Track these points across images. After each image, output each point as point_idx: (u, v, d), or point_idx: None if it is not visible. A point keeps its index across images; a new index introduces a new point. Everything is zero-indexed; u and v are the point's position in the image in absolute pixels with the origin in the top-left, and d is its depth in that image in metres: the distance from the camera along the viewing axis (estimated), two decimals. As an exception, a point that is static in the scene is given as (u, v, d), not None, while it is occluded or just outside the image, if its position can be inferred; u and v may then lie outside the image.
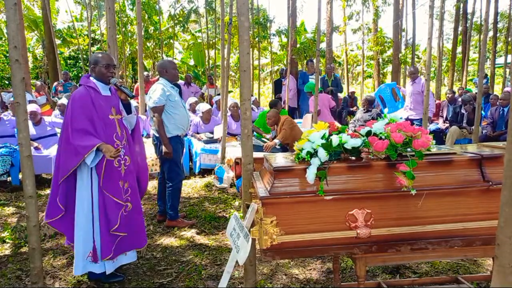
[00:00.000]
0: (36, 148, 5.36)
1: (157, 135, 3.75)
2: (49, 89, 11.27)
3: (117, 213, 2.64)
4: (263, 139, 5.99)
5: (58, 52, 12.19)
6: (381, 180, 1.82)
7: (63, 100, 7.07)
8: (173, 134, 3.76)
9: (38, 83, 9.33)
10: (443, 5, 10.96)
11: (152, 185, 5.45)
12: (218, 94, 9.04)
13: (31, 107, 5.63)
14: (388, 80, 16.98)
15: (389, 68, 17.00)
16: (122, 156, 2.68)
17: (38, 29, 15.26)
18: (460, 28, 14.41)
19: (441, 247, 1.86)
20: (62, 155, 2.60)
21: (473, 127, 5.70)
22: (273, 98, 9.90)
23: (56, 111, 7.10)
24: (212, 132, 6.42)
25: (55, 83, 9.95)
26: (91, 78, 2.67)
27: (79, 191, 2.61)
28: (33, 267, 2.46)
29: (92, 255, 2.63)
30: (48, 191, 5.29)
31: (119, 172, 2.67)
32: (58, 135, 6.04)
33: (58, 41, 14.16)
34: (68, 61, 15.75)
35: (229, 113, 7.05)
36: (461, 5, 13.56)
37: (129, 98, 2.84)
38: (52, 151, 5.49)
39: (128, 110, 2.86)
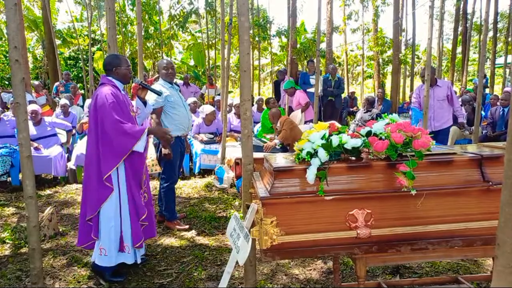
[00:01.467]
0: (36, 149, 5.36)
1: None
2: (48, 89, 11.27)
3: (142, 202, 2.81)
4: (263, 139, 6.00)
5: (58, 52, 12.18)
6: (381, 180, 1.82)
7: (65, 101, 7.08)
8: (173, 135, 3.74)
9: (36, 83, 9.33)
10: (443, 5, 10.98)
11: (152, 186, 5.45)
12: (218, 94, 9.04)
13: (32, 106, 5.64)
14: (388, 80, 16.99)
15: (389, 68, 17.00)
16: (143, 152, 2.84)
17: (38, 29, 15.26)
18: (460, 28, 14.42)
19: (441, 247, 1.85)
20: (109, 148, 2.65)
21: (473, 127, 5.71)
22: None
23: (58, 111, 7.10)
24: (212, 133, 6.42)
25: (57, 83, 9.94)
26: (109, 78, 2.83)
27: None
28: (33, 267, 2.46)
29: (119, 245, 2.75)
30: (48, 192, 5.30)
31: (143, 165, 2.86)
32: (59, 135, 6.09)
33: (58, 42, 14.15)
34: (68, 61, 15.73)
35: (233, 111, 7.08)
36: (461, 5, 13.57)
37: (156, 94, 3.11)
38: (52, 152, 5.50)
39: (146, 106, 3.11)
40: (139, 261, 2.92)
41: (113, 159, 2.64)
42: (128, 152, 2.64)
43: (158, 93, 3.02)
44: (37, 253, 2.46)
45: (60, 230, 3.83)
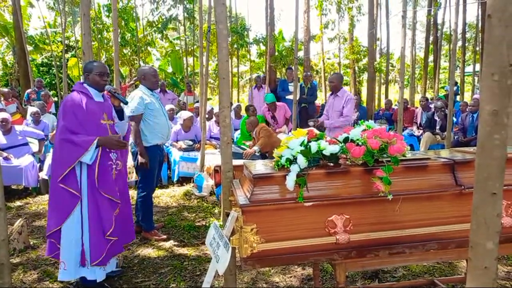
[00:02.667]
0: (6, 158, 5.15)
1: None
2: (19, 96, 10.89)
3: (111, 214, 2.67)
4: (242, 146, 5.99)
5: (30, 59, 11.82)
6: (359, 185, 1.85)
7: (36, 109, 6.84)
8: (151, 143, 3.67)
9: (5, 90, 8.98)
10: (415, 15, 11.36)
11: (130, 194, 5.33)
12: (197, 102, 8.98)
13: (1, 115, 5.43)
14: (364, 87, 17.38)
15: (365, 76, 17.41)
16: (114, 161, 2.75)
17: (8, 35, 14.76)
18: (431, 38, 14.96)
19: (418, 251, 1.89)
20: (58, 154, 2.62)
21: (445, 133, 5.90)
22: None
23: (28, 119, 6.86)
24: (192, 140, 6.36)
25: (28, 91, 9.61)
26: (84, 84, 2.77)
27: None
28: (2, 283, 2.35)
29: (80, 259, 2.62)
30: (18, 203, 5.09)
31: (111, 175, 2.72)
32: (30, 144, 5.87)
33: (30, 48, 13.73)
34: (41, 68, 15.28)
35: (214, 119, 7.03)
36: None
37: (122, 104, 2.95)
38: (23, 161, 5.30)
39: (121, 117, 2.96)
40: (99, 280, 2.68)
41: (61, 167, 2.56)
42: (74, 162, 2.54)
43: (124, 102, 2.90)
44: (6, 268, 2.35)
45: (31, 243, 3.68)
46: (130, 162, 5.65)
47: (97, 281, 2.68)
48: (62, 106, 2.66)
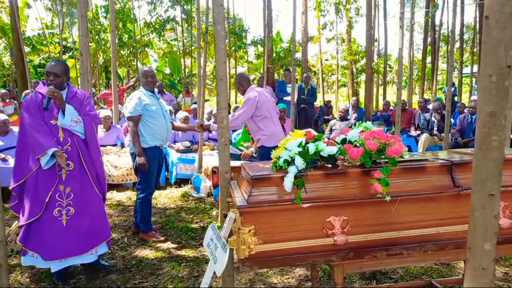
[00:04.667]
0: (3, 160, 5.13)
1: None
2: (17, 98, 10.85)
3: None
4: (240, 147, 5.99)
5: (28, 60, 11.79)
6: (356, 187, 1.85)
7: None
8: (150, 145, 3.65)
9: (3, 91, 8.95)
10: (413, 16, 11.39)
11: (126, 196, 5.32)
12: (195, 103, 8.97)
13: (0, 116, 5.41)
14: (362, 88, 17.42)
15: (363, 77, 17.44)
16: (65, 161, 2.80)
17: (6, 36, 14.73)
18: (429, 39, 15.00)
19: (415, 252, 1.89)
20: (23, 151, 2.82)
21: (443, 134, 5.91)
22: None
23: None
24: (189, 141, 6.35)
25: (26, 92, 9.59)
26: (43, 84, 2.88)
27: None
28: (-1, 285, 2.34)
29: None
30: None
31: (58, 177, 2.81)
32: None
33: (27, 49, 13.70)
34: (38, 69, 15.26)
35: (212, 120, 7.03)
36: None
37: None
38: (20, 163, 5.27)
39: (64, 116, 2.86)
40: (53, 270, 2.87)
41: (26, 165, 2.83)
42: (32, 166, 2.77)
43: (43, 107, 2.95)
44: (4, 270, 2.34)
45: (29, 244, 3.66)
46: (127, 164, 5.66)
47: (51, 270, 2.88)
48: (22, 105, 2.85)
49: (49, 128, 2.77)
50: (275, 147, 2.02)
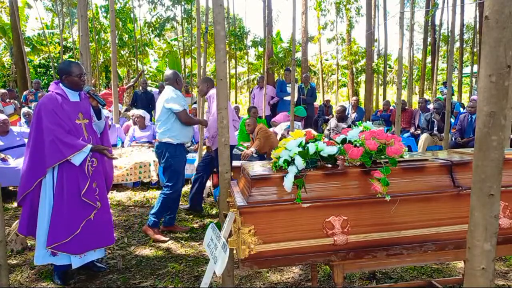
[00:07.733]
0: (3, 160, 5.13)
1: (163, 141, 3.72)
2: (17, 98, 10.85)
3: (81, 218, 2.78)
4: (240, 147, 5.99)
5: (28, 60, 11.80)
6: (356, 187, 1.85)
7: (28, 109, 6.87)
8: (180, 141, 3.75)
9: (3, 91, 8.96)
10: (413, 16, 11.38)
11: (126, 196, 5.33)
12: (195, 103, 8.97)
13: (0, 116, 5.41)
14: (362, 88, 17.43)
15: (363, 77, 17.45)
16: (90, 158, 2.83)
17: (6, 36, 14.73)
18: (429, 39, 15.00)
19: (415, 252, 1.89)
20: (37, 154, 2.72)
21: (443, 134, 5.91)
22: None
23: (22, 120, 6.86)
24: (189, 141, 6.34)
25: (26, 92, 9.60)
26: (60, 85, 2.84)
27: (43, 188, 2.79)
28: (-1, 284, 2.34)
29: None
30: (15, 204, 5.06)
31: (86, 173, 2.81)
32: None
33: (27, 49, 13.70)
34: (38, 69, 15.27)
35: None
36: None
37: (100, 105, 3.00)
38: (21, 162, 5.26)
39: (99, 116, 3.01)
40: (74, 266, 2.84)
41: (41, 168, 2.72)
42: (61, 159, 2.68)
43: (102, 103, 2.97)
44: (4, 269, 2.34)
45: (29, 244, 3.66)
46: (127, 164, 5.65)
47: (73, 266, 2.84)
48: (38, 107, 2.73)
49: (73, 127, 2.76)
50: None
